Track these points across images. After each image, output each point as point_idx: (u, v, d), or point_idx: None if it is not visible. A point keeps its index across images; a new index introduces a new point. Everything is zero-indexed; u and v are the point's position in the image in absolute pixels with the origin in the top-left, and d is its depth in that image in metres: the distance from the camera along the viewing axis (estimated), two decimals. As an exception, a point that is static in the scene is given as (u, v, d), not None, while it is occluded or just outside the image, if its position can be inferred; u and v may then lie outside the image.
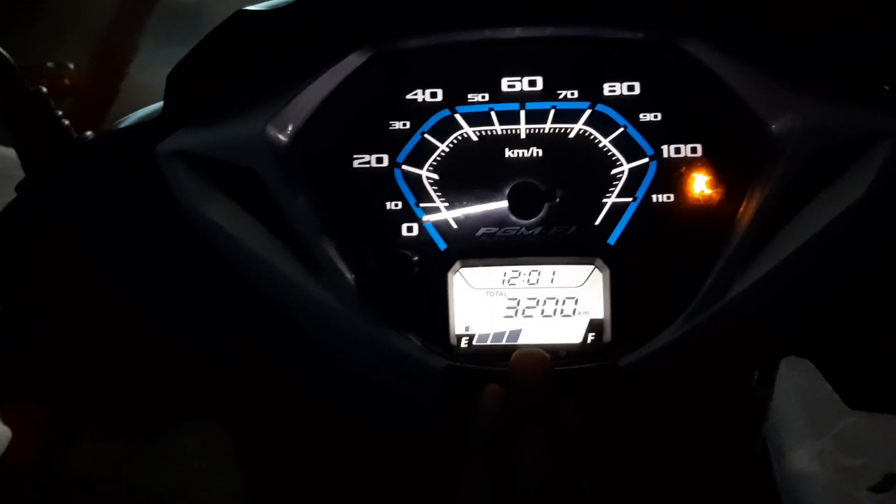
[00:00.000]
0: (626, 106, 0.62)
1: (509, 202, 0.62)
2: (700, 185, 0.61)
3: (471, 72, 0.63)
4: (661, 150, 0.62)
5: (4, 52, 0.62)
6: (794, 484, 1.23)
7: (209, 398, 0.80)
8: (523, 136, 0.63)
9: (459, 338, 0.62)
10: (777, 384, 0.80)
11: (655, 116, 0.62)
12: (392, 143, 0.63)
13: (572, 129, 0.62)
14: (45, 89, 0.64)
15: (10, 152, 0.66)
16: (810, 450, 1.29)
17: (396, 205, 0.63)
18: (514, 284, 0.62)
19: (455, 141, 0.63)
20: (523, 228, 0.62)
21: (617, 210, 0.61)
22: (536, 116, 0.63)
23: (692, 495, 0.75)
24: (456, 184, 0.63)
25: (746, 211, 0.59)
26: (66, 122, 0.66)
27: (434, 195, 0.63)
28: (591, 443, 0.63)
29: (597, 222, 0.61)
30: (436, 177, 0.63)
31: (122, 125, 0.68)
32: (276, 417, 0.80)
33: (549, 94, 0.63)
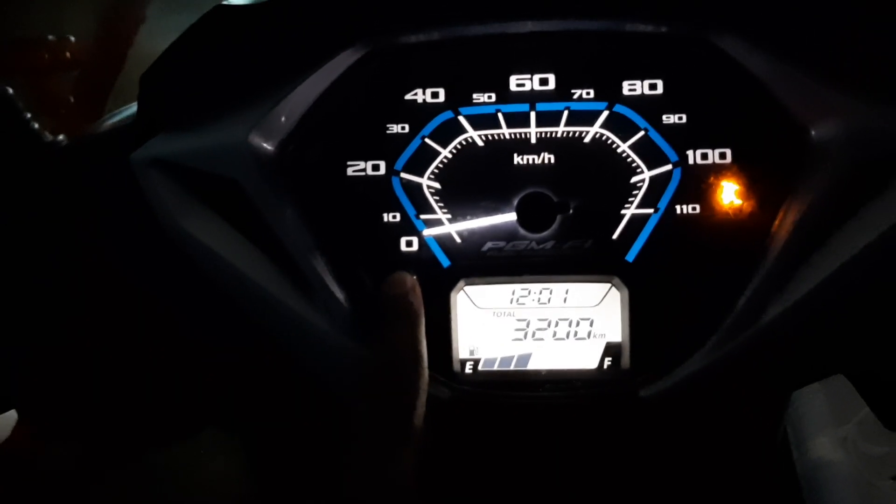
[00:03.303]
0: (647, 107, 0.56)
1: (518, 214, 0.57)
2: (730, 195, 0.56)
3: (476, 70, 0.58)
4: (687, 155, 0.56)
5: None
6: (815, 472, 1.20)
7: (219, 407, 0.77)
8: (534, 140, 0.57)
9: (464, 363, 0.57)
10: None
11: (680, 118, 0.56)
12: (389, 149, 0.58)
13: (588, 132, 0.57)
14: (11, 90, 0.59)
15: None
16: (832, 437, 1.25)
17: (394, 217, 0.58)
18: (523, 304, 0.57)
19: (459, 146, 0.58)
20: (534, 243, 0.57)
21: (637, 223, 0.56)
22: (548, 119, 0.57)
23: (711, 483, 0.71)
24: (460, 194, 0.57)
25: (782, 225, 0.54)
26: (37, 124, 0.61)
27: (436, 206, 0.57)
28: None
29: (614, 236, 0.56)
30: (438, 186, 0.57)
31: (99, 128, 0.63)
32: (286, 423, 0.76)
33: (562, 93, 0.57)
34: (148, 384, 0.68)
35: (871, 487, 1.20)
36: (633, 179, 0.56)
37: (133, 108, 0.63)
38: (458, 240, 0.57)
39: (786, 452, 1.22)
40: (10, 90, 0.59)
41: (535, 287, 0.57)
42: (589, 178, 0.57)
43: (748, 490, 0.72)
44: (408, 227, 0.57)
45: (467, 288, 0.57)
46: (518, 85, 0.57)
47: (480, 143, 0.57)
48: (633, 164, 0.56)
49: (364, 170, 0.58)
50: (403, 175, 0.58)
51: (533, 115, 0.57)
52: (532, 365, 0.57)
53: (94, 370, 0.67)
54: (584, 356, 0.56)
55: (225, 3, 0.54)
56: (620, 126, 0.56)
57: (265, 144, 0.56)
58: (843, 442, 1.25)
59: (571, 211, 0.56)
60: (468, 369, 0.57)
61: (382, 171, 0.58)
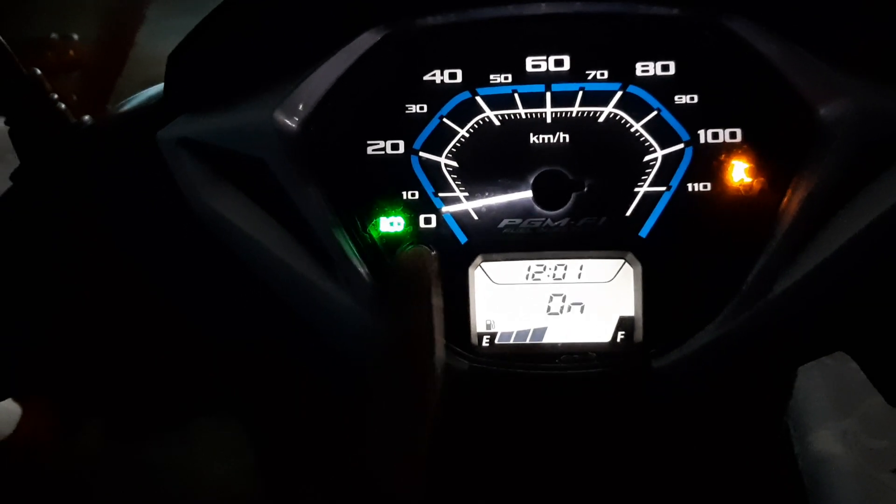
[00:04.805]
0: (660, 87, 0.58)
1: (534, 192, 0.58)
2: (740, 173, 0.57)
3: (493, 51, 0.59)
4: (698, 135, 0.58)
5: (-2, 36, 0.58)
6: (816, 465, 1.21)
7: (223, 389, 0.78)
8: (549, 120, 0.59)
9: (481, 336, 0.59)
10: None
11: (692, 99, 0.58)
12: (408, 129, 0.59)
13: (602, 112, 0.58)
14: (39, 71, 0.60)
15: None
16: (834, 430, 1.26)
17: (413, 195, 0.59)
18: (538, 280, 0.58)
19: (476, 126, 0.59)
20: (549, 220, 0.58)
21: (650, 200, 0.58)
22: (563, 99, 0.59)
23: (713, 476, 0.72)
24: (477, 172, 0.59)
25: (791, 202, 0.55)
26: (63, 105, 0.62)
27: (454, 184, 0.59)
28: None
29: (628, 213, 0.58)
30: (455, 164, 0.59)
31: (123, 109, 0.64)
32: (288, 404, 0.77)
33: (576, 74, 0.59)
34: (168, 362, 0.69)
35: (873, 480, 1.21)
36: (646, 158, 0.58)
37: (153, 90, 0.65)
38: (476, 217, 0.59)
39: (788, 446, 1.23)
40: (39, 71, 0.60)
41: (551, 263, 0.58)
42: (603, 156, 0.58)
43: (753, 479, 0.74)
44: (427, 205, 0.59)
45: (484, 264, 0.58)
46: (534, 66, 0.59)
47: (497, 123, 0.59)
48: (646, 143, 0.58)
49: (384, 149, 0.59)
50: (422, 154, 0.59)
51: (548, 95, 0.59)
52: (547, 338, 0.58)
53: (117, 347, 0.68)
54: (599, 330, 0.58)
55: (249, -15, 0.55)
56: (634, 106, 0.58)
57: (288, 124, 0.57)
58: (844, 435, 1.26)
59: (586, 189, 0.58)
60: (485, 342, 0.59)
61: (401, 150, 0.59)
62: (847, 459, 1.22)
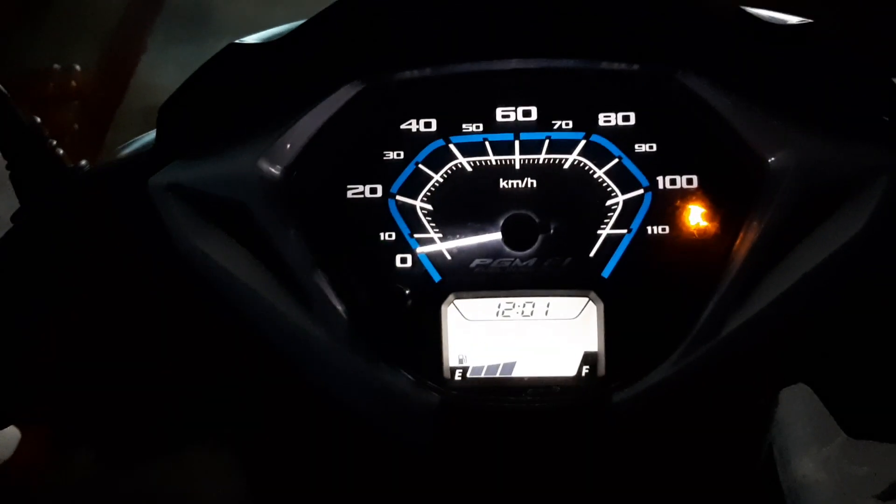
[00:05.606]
0: (621, 137, 0.62)
1: (503, 234, 0.62)
2: (696, 217, 0.61)
3: (465, 102, 0.63)
4: (657, 181, 0.61)
5: (-1, 85, 0.62)
6: (799, 491, 1.22)
7: (214, 416, 0.80)
8: (517, 166, 0.62)
9: (453, 371, 0.62)
10: (782, 390, 0.79)
11: (651, 147, 0.62)
12: (386, 174, 0.63)
13: (567, 159, 0.62)
14: (39, 119, 0.64)
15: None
16: (816, 457, 1.27)
17: (390, 236, 0.62)
18: (508, 316, 0.62)
19: (449, 171, 0.63)
20: (518, 260, 0.61)
21: (611, 242, 0.61)
22: (531, 147, 0.62)
23: (692, 495, 0.75)
24: (450, 214, 0.62)
25: (742, 244, 0.59)
26: (61, 151, 0.66)
27: (428, 226, 0.62)
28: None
29: (591, 254, 0.61)
30: (430, 207, 0.62)
31: (117, 156, 0.68)
32: (278, 431, 0.80)
33: (543, 124, 0.63)
34: (156, 391, 0.72)
35: (855, 507, 1.23)
36: (608, 203, 0.61)
37: (147, 137, 0.69)
38: (449, 257, 0.62)
39: (772, 472, 1.24)
40: (38, 119, 0.64)
41: (519, 301, 0.61)
42: (568, 201, 0.62)
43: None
44: (402, 246, 0.62)
45: (457, 301, 0.62)
46: (503, 116, 0.63)
47: (469, 169, 0.63)
48: (608, 189, 0.61)
49: (362, 193, 0.63)
50: (398, 198, 0.63)
51: (517, 143, 0.62)
52: (516, 372, 0.61)
53: (108, 379, 0.71)
54: (564, 364, 0.61)
55: (237, 41, 0.59)
56: (596, 154, 0.62)
57: (272, 170, 0.61)
58: (826, 462, 1.28)
59: (552, 231, 0.61)
60: (458, 376, 0.61)
61: (379, 193, 0.63)
62: (829, 485, 1.24)
